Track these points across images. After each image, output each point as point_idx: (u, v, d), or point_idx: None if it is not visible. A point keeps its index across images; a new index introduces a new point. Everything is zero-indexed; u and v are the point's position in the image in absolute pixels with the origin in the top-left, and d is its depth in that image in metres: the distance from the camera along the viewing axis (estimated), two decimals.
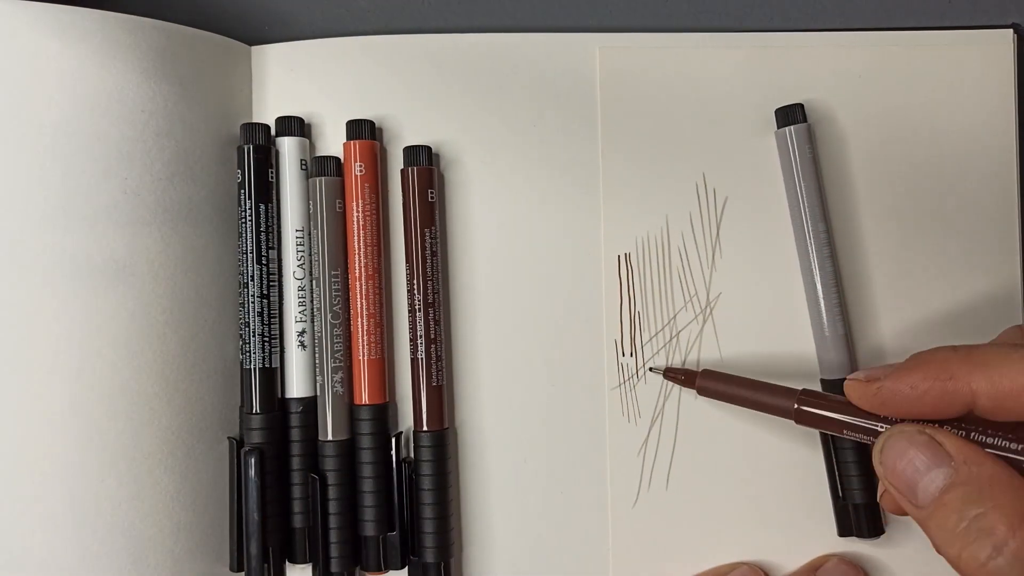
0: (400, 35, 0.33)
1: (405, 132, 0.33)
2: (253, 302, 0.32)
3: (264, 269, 0.32)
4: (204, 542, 0.31)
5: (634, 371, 0.33)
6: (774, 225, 0.33)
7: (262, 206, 0.32)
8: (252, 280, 0.32)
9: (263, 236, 0.32)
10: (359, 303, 0.32)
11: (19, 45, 0.29)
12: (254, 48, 0.34)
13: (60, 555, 0.29)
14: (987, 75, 0.33)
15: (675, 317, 0.33)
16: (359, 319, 0.32)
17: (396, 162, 0.33)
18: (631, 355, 0.33)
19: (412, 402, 0.32)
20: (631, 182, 0.33)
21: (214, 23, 0.33)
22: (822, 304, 0.32)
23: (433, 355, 0.32)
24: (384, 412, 0.32)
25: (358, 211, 0.32)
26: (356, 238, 0.32)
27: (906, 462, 0.24)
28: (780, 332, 0.33)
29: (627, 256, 0.33)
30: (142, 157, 0.31)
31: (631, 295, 0.33)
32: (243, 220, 0.32)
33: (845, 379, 0.27)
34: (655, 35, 0.33)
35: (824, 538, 0.32)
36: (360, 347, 0.32)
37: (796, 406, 0.28)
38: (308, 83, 0.33)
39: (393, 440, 0.32)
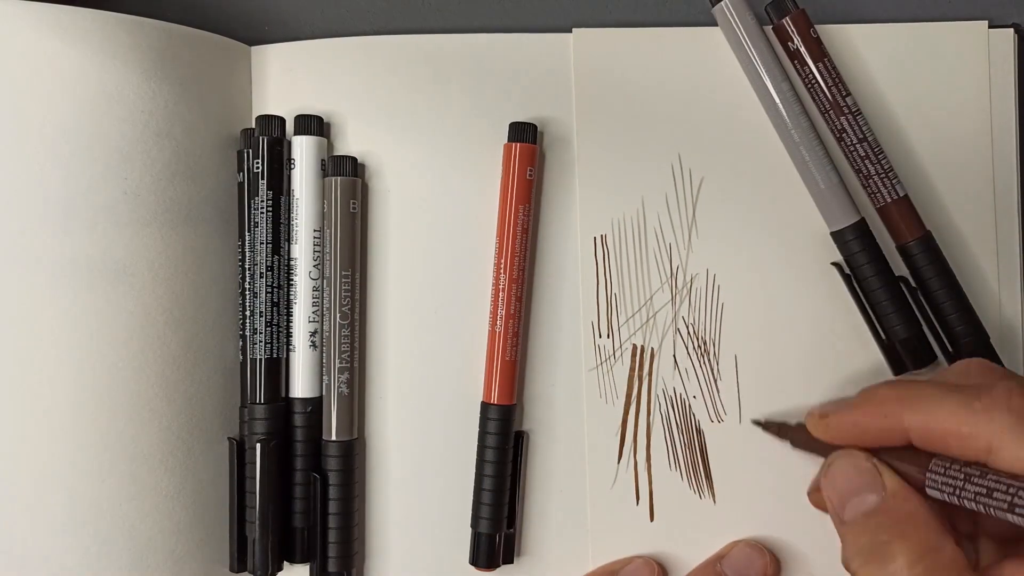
0: (400, 35, 0.33)
1: (404, 131, 0.33)
2: (270, 292, 0.32)
3: (280, 260, 0.32)
4: (204, 542, 0.32)
5: (611, 352, 0.33)
6: (750, 204, 0.33)
7: (282, 198, 0.32)
8: (270, 271, 0.32)
9: (282, 228, 0.32)
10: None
11: (19, 45, 0.29)
12: (254, 48, 0.34)
13: (60, 555, 0.29)
14: (965, 82, 0.33)
15: (651, 298, 0.33)
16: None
17: (395, 162, 0.33)
18: (608, 336, 0.33)
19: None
20: (606, 164, 0.33)
21: (214, 23, 0.33)
22: (806, 157, 0.32)
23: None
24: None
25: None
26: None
27: (845, 481, 0.26)
28: (758, 310, 0.33)
29: (603, 238, 0.33)
30: (142, 157, 0.31)
31: (607, 277, 0.33)
32: (260, 211, 0.32)
33: (807, 413, 0.29)
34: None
35: (792, 516, 0.32)
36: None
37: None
38: (308, 83, 0.33)
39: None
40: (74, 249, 0.30)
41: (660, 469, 0.33)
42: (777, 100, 0.32)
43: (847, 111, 0.32)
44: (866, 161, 0.32)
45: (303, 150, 0.33)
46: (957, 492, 0.24)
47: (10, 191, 0.29)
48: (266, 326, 0.32)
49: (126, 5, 0.31)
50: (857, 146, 0.32)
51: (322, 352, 0.32)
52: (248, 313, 0.32)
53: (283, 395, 0.32)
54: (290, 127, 0.33)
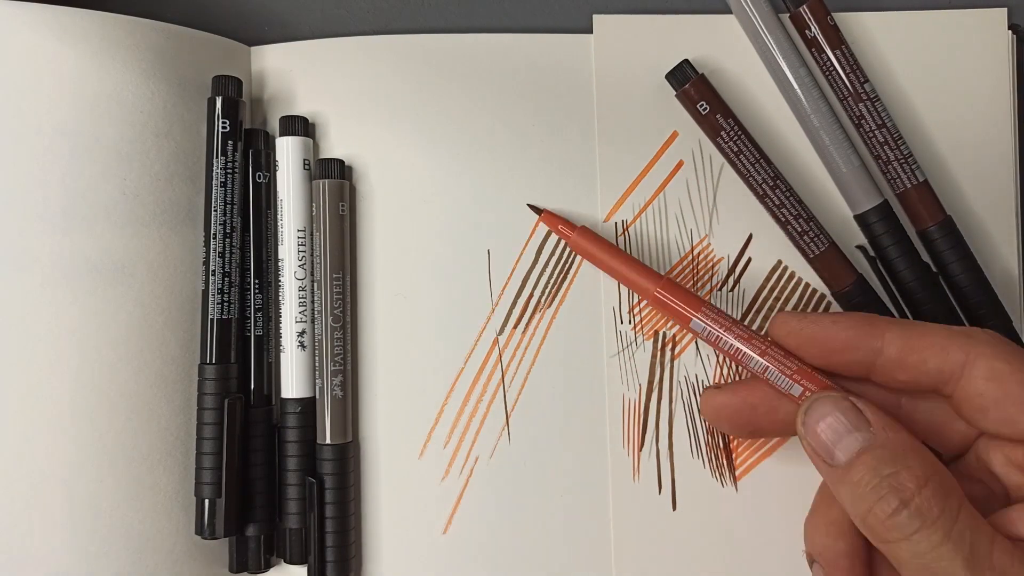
0: (400, 35, 0.33)
1: (405, 131, 0.33)
2: (228, 254, 0.32)
3: (226, 223, 0.31)
4: (204, 542, 0.31)
5: (632, 339, 0.33)
6: None
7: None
8: (215, 237, 0.31)
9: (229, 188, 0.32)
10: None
11: (19, 45, 0.30)
12: (254, 48, 0.34)
13: (60, 555, 0.29)
14: (985, 70, 0.33)
15: None
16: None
17: (395, 162, 0.33)
18: (629, 323, 0.33)
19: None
20: (627, 149, 0.33)
21: (214, 23, 0.33)
22: (827, 141, 0.32)
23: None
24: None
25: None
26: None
27: (827, 424, 0.25)
28: (777, 296, 0.33)
29: (624, 223, 0.33)
30: (141, 158, 0.31)
31: None
32: (229, 219, 0.32)
33: (776, 313, 0.29)
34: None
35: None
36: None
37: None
38: (307, 83, 0.33)
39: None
40: (73, 249, 0.30)
41: (682, 457, 0.32)
42: (795, 86, 0.31)
43: (865, 97, 0.31)
44: (885, 147, 0.31)
45: (287, 151, 0.32)
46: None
47: (10, 191, 0.29)
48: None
49: (126, 5, 0.31)
50: (876, 132, 0.31)
51: (314, 355, 0.32)
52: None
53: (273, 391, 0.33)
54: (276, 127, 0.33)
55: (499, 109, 0.33)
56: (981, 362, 0.25)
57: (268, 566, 0.32)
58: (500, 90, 0.33)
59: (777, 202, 0.31)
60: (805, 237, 0.31)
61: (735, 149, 0.32)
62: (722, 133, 0.32)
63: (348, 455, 0.32)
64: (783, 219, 0.32)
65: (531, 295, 0.33)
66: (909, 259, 0.31)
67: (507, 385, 0.33)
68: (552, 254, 0.33)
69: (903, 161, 0.31)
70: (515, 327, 0.33)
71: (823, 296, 0.33)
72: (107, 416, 0.30)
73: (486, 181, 0.33)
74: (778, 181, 0.32)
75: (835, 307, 0.32)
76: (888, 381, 0.27)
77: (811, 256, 0.32)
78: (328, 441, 0.32)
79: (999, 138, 0.33)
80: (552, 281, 0.33)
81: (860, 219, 0.32)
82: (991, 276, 0.32)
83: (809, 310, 0.33)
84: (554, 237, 0.33)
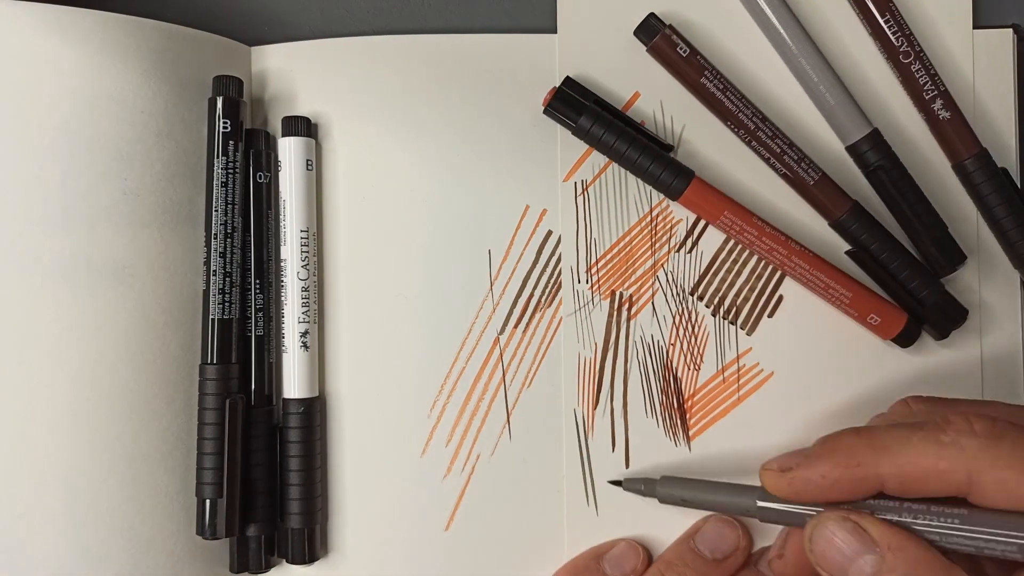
0: (400, 35, 0.33)
1: (405, 132, 0.33)
2: (229, 254, 0.32)
3: (227, 224, 0.31)
4: (204, 542, 0.32)
5: (589, 298, 0.33)
6: (733, 150, 0.33)
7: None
8: (216, 237, 0.31)
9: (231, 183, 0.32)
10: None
11: (19, 45, 0.29)
12: (254, 48, 0.34)
13: (60, 555, 0.29)
14: (987, 75, 0.33)
15: (631, 244, 0.33)
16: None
17: (393, 161, 0.33)
18: (586, 282, 0.33)
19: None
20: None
21: (214, 24, 0.33)
22: (812, 75, 0.32)
23: None
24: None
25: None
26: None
27: (834, 549, 0.25)
28: (735, 258, 0.33)
29: (584, 183, 0.33)
30: (142, 158, 0.31)
31: (587, 222, 0.33)
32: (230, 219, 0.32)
33: (761, 467, 0.27)
34: None
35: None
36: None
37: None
38: (307, 83, 0.33)
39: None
40: (74, 249, 0.30)
41: (636, 416, 0.33)
42: (780, 28, 0.32)
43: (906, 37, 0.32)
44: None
45: (289, 151, 0.33)
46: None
47: (10, 191, 0.29)
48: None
49: (126, 5, 0.31)
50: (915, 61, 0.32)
51: (316, 355, 0.32)
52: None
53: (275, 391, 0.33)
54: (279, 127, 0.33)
55: (500, 109, 0.33)
56: (985, 477, 0.23)
57: (269, 566, 0.32)
58: (501, 90, 0.33)
59: (770, 133, 0.32)
60: (803, 164, 0.32)
61: (721, 86, 0.32)
62: (706, 72, 0.32)
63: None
64: (778, 150, 0.32)
65: (531, 295, 0.33)
66: (911, 182, 0.32)
67: (508, 384, 0.33)
68: (552, 254, 0.33)
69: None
70: (515, 327, 0.33)
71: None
72: (107, 416, 0.30)
73: (487, 181, 0.33)
74: (766, 115, 0.32)
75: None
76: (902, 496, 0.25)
77: (809, 183, 0.32)
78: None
79: (999, 138, 0.33)
80: (552, 281, 0.33)
81: (852, 150, 0.32)
82: (991, 280, 0.32)
83: (773, 301, 0.33)
84: (554, 237, 0.33)
